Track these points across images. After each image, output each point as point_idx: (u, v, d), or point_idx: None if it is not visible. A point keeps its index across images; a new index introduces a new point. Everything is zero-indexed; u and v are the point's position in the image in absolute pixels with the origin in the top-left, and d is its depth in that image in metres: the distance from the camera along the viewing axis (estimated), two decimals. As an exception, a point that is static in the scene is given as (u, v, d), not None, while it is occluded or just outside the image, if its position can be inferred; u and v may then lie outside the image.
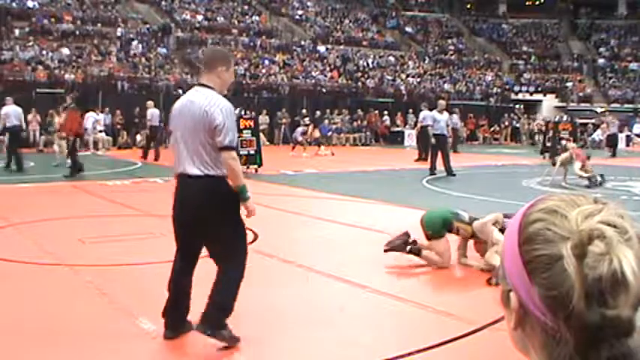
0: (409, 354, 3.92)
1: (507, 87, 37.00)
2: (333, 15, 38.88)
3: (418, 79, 34.55)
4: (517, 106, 34.48)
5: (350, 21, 38.79)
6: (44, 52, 26.17)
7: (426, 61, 37.17)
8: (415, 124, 22.34)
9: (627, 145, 30.31)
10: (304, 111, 25.91)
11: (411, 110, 29.37)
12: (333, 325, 4.45)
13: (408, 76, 34.62)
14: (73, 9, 29.91)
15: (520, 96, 36.53)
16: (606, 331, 0.71)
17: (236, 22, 34.13)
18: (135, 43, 28.88)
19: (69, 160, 14.17)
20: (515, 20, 43.07)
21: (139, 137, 23.01)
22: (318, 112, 27.14)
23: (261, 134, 18.17)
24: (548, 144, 21.44)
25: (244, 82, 28.12)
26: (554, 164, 14.23)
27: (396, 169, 16.91)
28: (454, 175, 14.68)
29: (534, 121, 31.92)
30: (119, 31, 29.14)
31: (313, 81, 31.06)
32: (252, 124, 15.46)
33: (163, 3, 33.28)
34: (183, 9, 33.44)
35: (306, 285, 5.56)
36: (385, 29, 39.55)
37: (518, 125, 32.87)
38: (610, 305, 0.71)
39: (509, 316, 0.80)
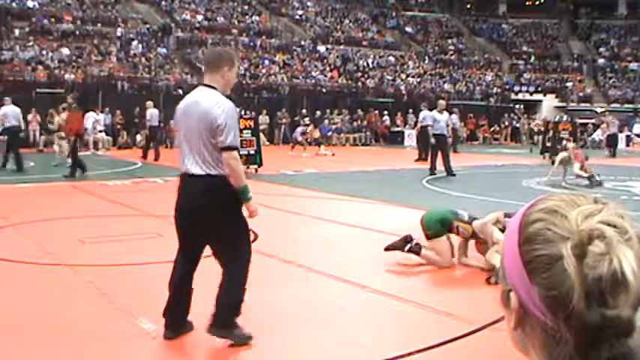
0: (409, 354, 3.92)
1: (507, 87, 37.01)
2: (333, 15, 38.88)
3: (418, 79, 34.56)
4: (517, 106, 34.48)
5: (350, 21, 38.80)
6: (44, 52, 26.17)
7: (426, 61, 37.18)
8: (415, 124, 22.35)
9: (627, 145, 30.32)
10: (304, 111, 25.91)
11: (411, 110, 29.38)
12: (333, 325, 4.45)
13: (408, 76, 34.63)
14: (73, 9, 29.91)
15: (520, 96, 36.53)
16: (606, 331, 0.71)
17: (236, 22, 34.13)
18: (135, 43, 28.89)
19: (69, 160, 14.17)
20: (515, 20, 43.07)
21: (138, 137, 23.01)
22: (318, 112, 27.15)
23: (261, 134, 18.18)
24: (548, 144, 21.44)
25: (244, 82, 28.12)
26: (553, 163, 14.24)
27: (396, 169, 16.90)
28: (454, 175, 14.68)
29: (534, 121, 31.94)
30: (119, 31, 29.14)
31: (313, 81, 31.07)
32: (252, 124, 15.45)
33: (163, 3, 33.29)
34: (183, 9, 33.44)
35: (306, 285, 5.56)
36: (385, 29, 39.55)
37: (518, 125, 32.88)
38: (610, 305, 0.71)
39: (509, 316, 0.80)
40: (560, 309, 0.72)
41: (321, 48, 34.21)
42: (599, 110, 34.35)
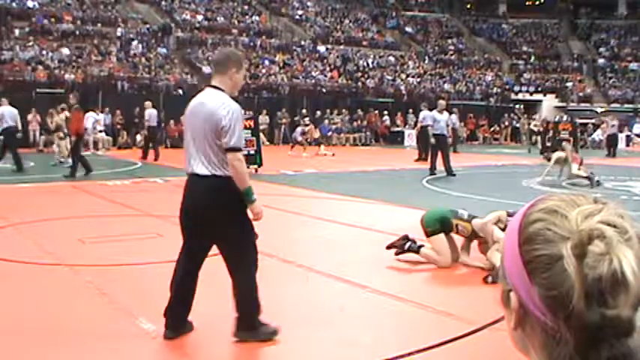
0: (409, 354, 3.92)
1: (507, 87, 37.01)
2: (333, 15, 38.88)
3: (418, 79, 34.56)
4: (517, 106, 34.47)
5: (350, 21, 38.80)
6: (44, 52, 26.17)
7: (426, 61, 37.18)
8: (415, 124, 22.35)
9: (627, 145, 30.31)
10: (304, 111, 25.90)
11: (411, 110, 29.38)
12: (333, 325, 4.45)
13: (408, 76, 34.63)
14: (73, 9, 29.91)
15: (520, 96, 36.53)
16: (606, 331, 0.71)
17: (236, 22, 34.13)
18: (135, 43, 28.89)
19: (69, 160, 14.16)
20: (515, 20, 43.07)
21: (138, 137, 23.01)
22: (318, 112, 27.16)
23: (261, 134, 18.17)
24: (548, 144, 21.44)
25: (244, 82, 28.08)
26: (548, 159, 14.23)
27: (396, 169, 16.90)
28: (454, 175, 14.68)
29: (533, 121, 31.96)
30: (119, 31, 29.14)
31: (313, 81, 31.07)
32: (252, 124, 15.46)
33: (163, 3, 33.29)
34: (183, 9, 33.44)
35: (306, 285, 5.56)
36: (385, 29, 39.55)
37: (518, 125, 32.87)
38: (610, 305, 0.71)
39: (509, 316, 0.80)
40: (560, 309, 0.72)
41: (321, 48, 34.21)
42: (599, 110, 34.36)
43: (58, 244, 6.92)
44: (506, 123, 32.88)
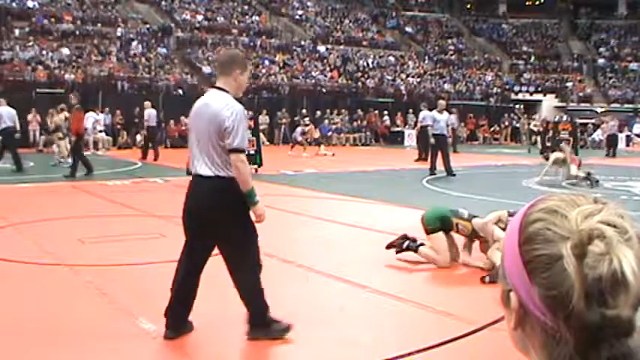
0: (409, 354, 3.92)
1: (507, 87, 37.00)
2: (333, 15, 38.88)
3: (418, 79, 34.56)
4: (517, 106, 34.47)
5: (350, 21, 38.80)
6: (44, 52, 26.17)
7: (426, 61, 37.18)
8: (415, 124, 22.35)
9: (627, 145, 30.32)
10: (304, 111, 25.90)
11: (411, 110, 29.38)
12: (333, 325, 4.45)
13: (408, 76, 34.63)
14: (73, 9, 29.91)
15: (520, 96, 36.53)
16: (606, 331, 0.71)
17: (236, 22, 34.13)
18: (135, 43, 28.88)
19: (69, 160, 14.16)
20: (515, 20, 43.07)
21: (138, 137, 22.99)
22: (318, 112, 27.15)
23: (261, 134, 18.16)
24: (548, 144, 21.42)
25: (245, 82, 28.10)
26: (546, 158, 14.23)
27: (396, 169, 16.91)
28: (454, 175, 14.68)
29: (533, 121, 31.95)
30: (119, 31, 29.14)
31: (313, 81, 31.07)
32: (252, 124, 15.46)
33: (163, 3, 33.29)
34: (183, 9, 33.44)
35: (306, 285, 5.56)
36: (385, 29, 39.55)
37: (518, 125, 32.86)
38: (610, 305, 0.71)
39: (509, 316, 0.80)
40: (560, 309, 0.72)
41: (321, 48, 34.21)
42: (599, 110, 34.35)
43: (58, 244, 6.92)
44: (506, 123, 32.87)
